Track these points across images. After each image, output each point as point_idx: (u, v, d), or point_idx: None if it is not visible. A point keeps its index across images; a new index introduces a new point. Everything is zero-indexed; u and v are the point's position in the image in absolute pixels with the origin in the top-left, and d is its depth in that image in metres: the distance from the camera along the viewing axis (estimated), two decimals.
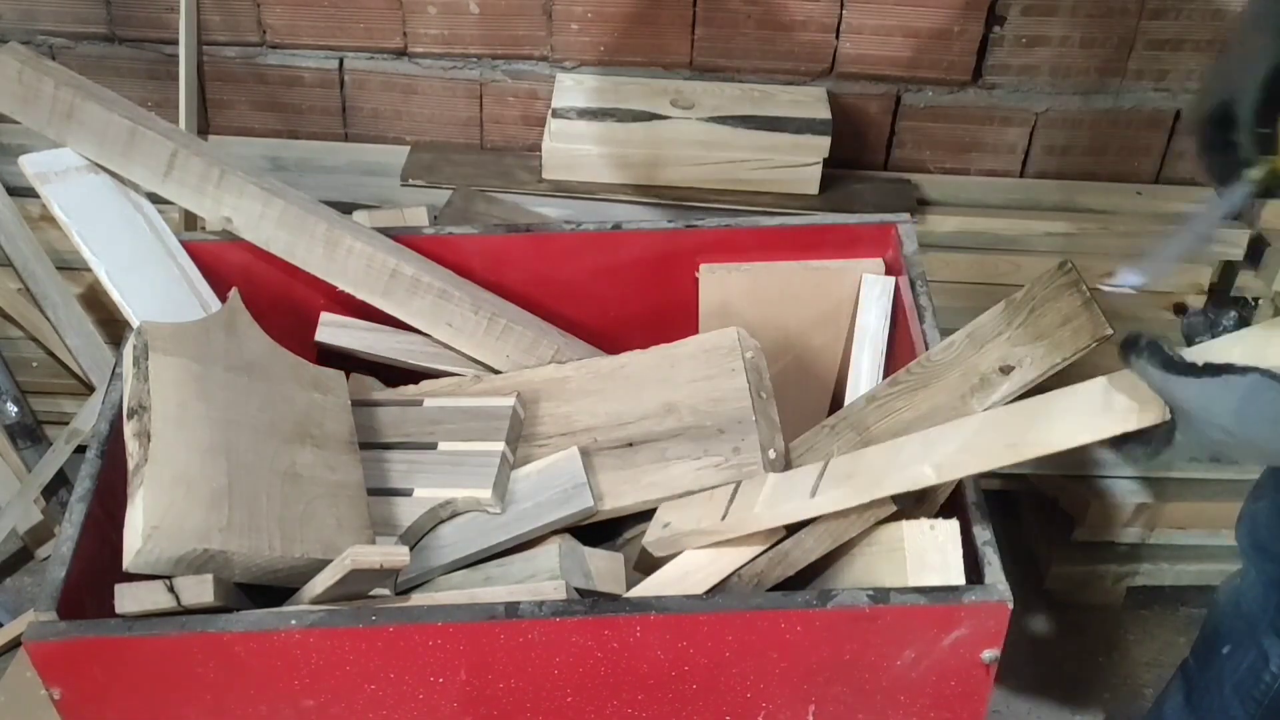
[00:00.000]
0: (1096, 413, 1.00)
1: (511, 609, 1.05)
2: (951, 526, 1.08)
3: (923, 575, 1.07)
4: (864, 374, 1.38)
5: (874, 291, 1.41)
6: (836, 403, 1.50)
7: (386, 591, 1.15)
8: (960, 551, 1.08)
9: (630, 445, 1.28)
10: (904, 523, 1.09)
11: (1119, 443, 1.00)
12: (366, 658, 1.06)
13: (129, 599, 1.05)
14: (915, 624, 1.06)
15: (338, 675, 1.07)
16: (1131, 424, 0.98)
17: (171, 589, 1.05)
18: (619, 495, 1.25)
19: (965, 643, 1.07)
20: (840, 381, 1.49)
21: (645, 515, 1.27)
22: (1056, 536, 1.93)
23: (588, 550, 1.22)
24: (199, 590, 1.05)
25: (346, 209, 1.82)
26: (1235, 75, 1.08)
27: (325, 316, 1.44)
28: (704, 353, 1.32)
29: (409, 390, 1.38)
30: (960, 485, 1.14)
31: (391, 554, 1.08)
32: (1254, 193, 1.10)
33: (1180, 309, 1.91)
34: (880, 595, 1.06)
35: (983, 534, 1.10)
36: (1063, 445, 1.01)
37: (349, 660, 1.06)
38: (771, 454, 1.24)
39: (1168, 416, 0.96)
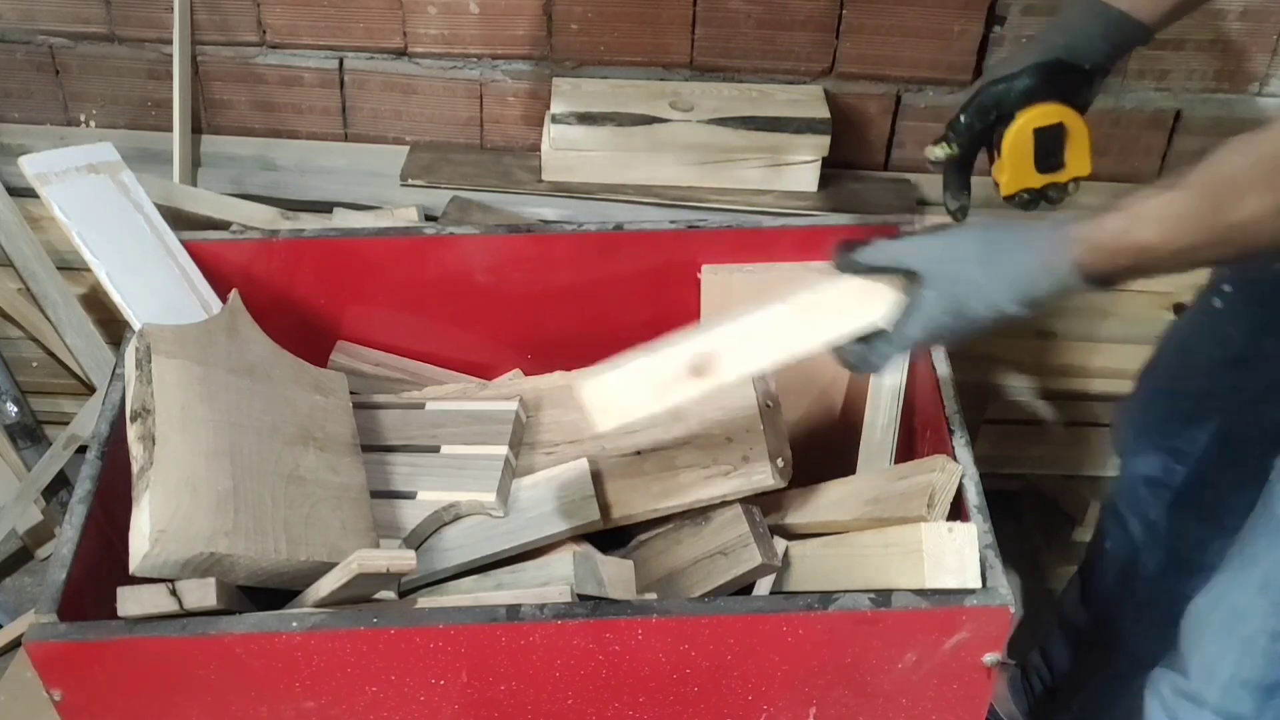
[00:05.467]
0: (836, 314, 1.10)
1: (513, 612, 1.05)
2: (969, 530, 1.09)
3: (940, 577, 1.07)
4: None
5: None
6: (839, 403, 1.51)
7: (391, 595, 1.15)
8: (977, 555, 1.08)
9: (638, 454, 1.28)
10: (923, 525, 1.09)
11: (859, 342, 1.10)
12: (368, 660, 1.06)
13: (132, 601, 1.05)
14: (917, 627, 1.07)
15: (339, 677, 1.07)
16: (872, 314, 1.08)
17: (174, 592, 1.05)
18: (627, 504, 1.25)
19: (967, 646, 1.07)
20: (845, 382, 1.49)
21: (654, 522, 1.27)
22: (1056, 536, 1.93)
23: (600, 557, 1.22)
24: (202, 594, 1.05)
25: (346, 209, 1.84)
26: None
27: (341, 345, 1.45)
28: None
29: (411, 393, 1.38)
30: (962, 489, 1.15)
31: (398, 558, 1.08)
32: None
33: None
34: (882, 598, 1.06)
35: (985, 537, 1.10)
36: (810, 348, 1.11)
37: (350, 662, 1.06)
38: (780, 462, 1.24)
39: (901, 297, 1.07)
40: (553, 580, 1.16)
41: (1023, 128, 1.18)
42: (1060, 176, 1.21)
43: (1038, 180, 1.21)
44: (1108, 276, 1.01)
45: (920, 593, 1.06)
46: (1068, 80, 1.19)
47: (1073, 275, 1.01)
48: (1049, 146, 1.19)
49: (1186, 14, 1.22)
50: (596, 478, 1.24)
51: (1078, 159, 1.21)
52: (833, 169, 1.88)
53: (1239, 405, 1.36)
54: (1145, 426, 1.48)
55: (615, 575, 1.20)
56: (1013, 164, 1.20)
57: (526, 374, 1.46)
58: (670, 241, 1.43)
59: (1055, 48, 1.19)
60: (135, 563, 1.04)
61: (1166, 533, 1.50)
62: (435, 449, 1.29)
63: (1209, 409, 1.39)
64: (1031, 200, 1.22)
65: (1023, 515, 2.05)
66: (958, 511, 1.14)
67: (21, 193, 1.79)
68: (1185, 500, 1.46)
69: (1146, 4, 1.19)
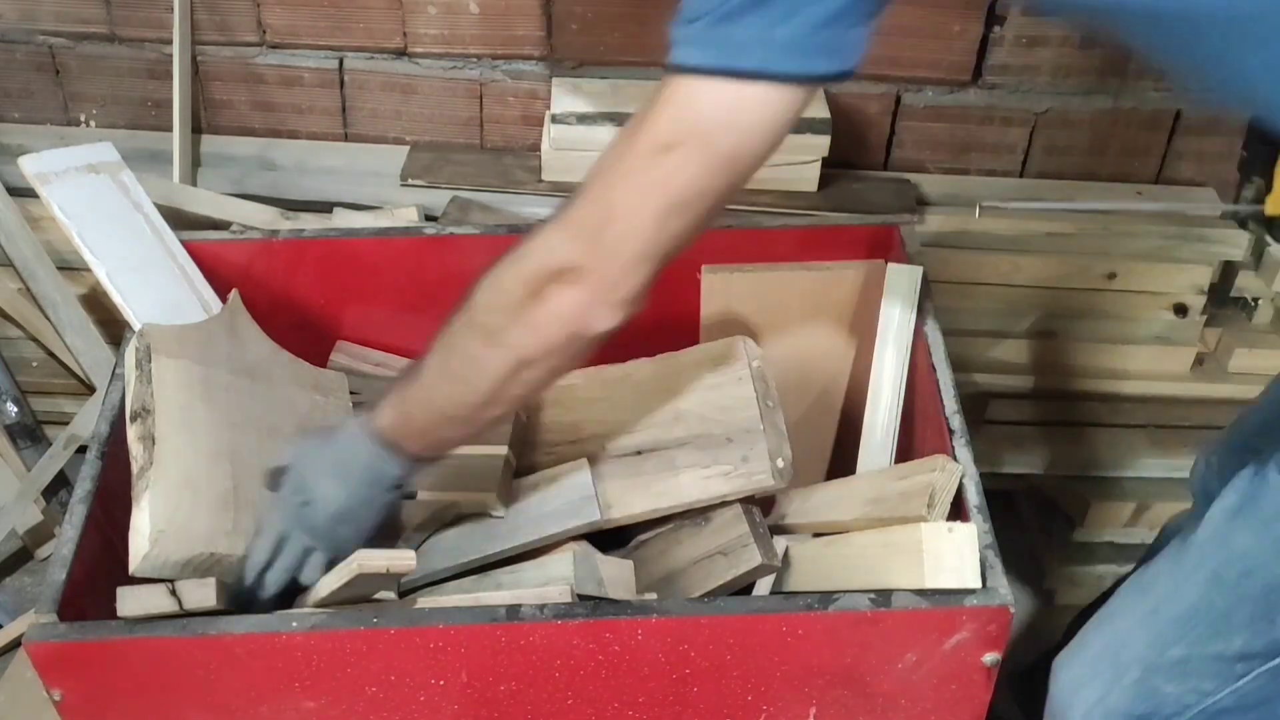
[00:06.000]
0: None
1: (513, 612, 1.05)
2: (969, 530, 1.08)
3: (940, 577, 1.07)
4: (887, 369, 1.34)
5: (899, 282, 1.35)
6: (839, 403, 1.51)
7: (391, 595, 1.15)
8: (976, 555, 1.08)
9: (639, 454, 1.28)
10: (923, 525, 1.09)
11: None
12: (368, 660, 1.06)
13: (131, 601, 1.05)
14: (916, 627, 1.07)
15: (339, 677, 1.07)
16: None
17: (174, 592, 1.05)
18: (627, 504, 1.25)
19: (966, 646, 1.07)
20: (845, 382, 1.49)
21: (654, 522, 1.27)
22: (1056, 536, 1.93)
23: (599, 557, 1.22)
24: (202, 594, 1.05)
25: (346, 209, 1.84)
26: None
27: (341, 345, 1.45)
28: (710, 361, 1.32)
29: None
30: (962, 488, 1.15)
31: (398, 558, 1.08)
32: None
33: (1181, 309, 1.91)
34: (881, 599, 1.06)
35: (985, 537, 1.10)
36: None
37: (350, 662, 1.06)
38: (780, 462, 1.24)
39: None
40: (553, 580, 1.16)
41: None
42: None
43: None
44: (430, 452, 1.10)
45: (920, 593, 1.06)
46: None
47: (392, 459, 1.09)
48: None
49: None
50: (596, 478, 1.24)
51: None
52: (833, 169, 1.87)
53: None
54: (1229, 477, 1.37)
55: (615, 575, 1.20)
56: None
57: None
58: None
59: None
60: (135, 563, 1.04)
61: None
62: None
63: None
64: None
65: (1023, 515, 2.05)
66: (958, 511, 1.14)
67: (21, 193, 1.79)
68: None
69: None
